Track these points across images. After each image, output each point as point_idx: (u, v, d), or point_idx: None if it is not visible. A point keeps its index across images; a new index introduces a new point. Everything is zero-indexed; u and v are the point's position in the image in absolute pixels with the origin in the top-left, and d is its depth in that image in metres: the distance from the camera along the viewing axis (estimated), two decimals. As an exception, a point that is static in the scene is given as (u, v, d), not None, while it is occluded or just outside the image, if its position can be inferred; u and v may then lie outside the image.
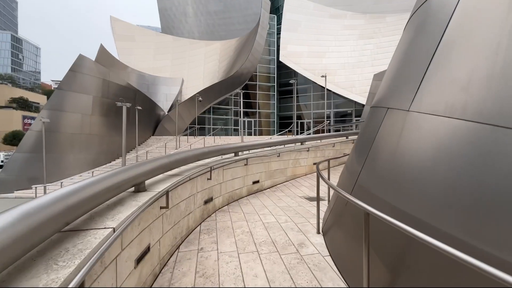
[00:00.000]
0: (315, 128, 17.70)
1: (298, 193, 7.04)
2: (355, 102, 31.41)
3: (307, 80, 35.77)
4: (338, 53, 34.01)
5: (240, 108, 13.66)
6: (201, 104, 27.05)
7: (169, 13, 54.86)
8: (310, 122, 36.05)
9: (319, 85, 33.67)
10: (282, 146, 8.68)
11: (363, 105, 30.21)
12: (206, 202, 4.85)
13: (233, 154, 6.63)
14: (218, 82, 30.11)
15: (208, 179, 4.94)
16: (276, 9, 42.07)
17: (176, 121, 21.87)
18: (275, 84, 36.71)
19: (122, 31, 39.95)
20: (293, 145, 9.17)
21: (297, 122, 36.86)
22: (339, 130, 26.32)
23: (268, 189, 7.48)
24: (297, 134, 30.85)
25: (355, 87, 31.03)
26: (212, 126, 31.90)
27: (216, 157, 5.95)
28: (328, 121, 17.25)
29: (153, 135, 25.27)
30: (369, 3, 36.67)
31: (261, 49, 33.65)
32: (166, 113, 27.52)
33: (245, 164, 6.58)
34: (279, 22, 38.37)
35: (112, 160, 19.50)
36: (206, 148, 5.32)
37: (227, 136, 31.59)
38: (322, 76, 18.08)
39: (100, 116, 18.27)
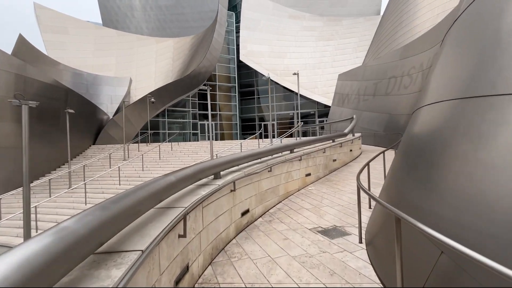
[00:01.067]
0: (289, 132, 16.14)
1: (303, 222, 5.09)
2: (318, 103, 31.22)
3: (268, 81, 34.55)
4: (299, 54, 33.62)
5: (208, 108, 11.45)
6: (153, 106, 23.51)
7: (112, 5, 48.62)
8: (274, 123, 34.89)
9: (281, 85, 32.76)
10: (270, 157, 6.66)
11: (325, 106, 30.18)
12: (177, 281, 2.54)
13: (212, 177, 4.36)
14: (173, 81, 26.83)
15: (180, 236, 2.63)
16: (234, 6, 40.18)
17: (123, 126, 18.19)
18: (236, 85, 34.69)
19: (51, 22, 33.46)
20: (279, 154, 7.23)
21: (260, 124, 35.41)
22: (307, 132, 25.46)
23: (261, 219, 5.37)
24: (262, 137, 29.35)
25: (318, 88, 30.84)
26: (168, 131, 28.34)
27: (186, 188, 3.61)
28: (302, 123, 15.82)
29: (94, 144, 20.89)
30: (325, 6, 37.33)
31: (220, 47, 31.30)
32: (111, 117, 23.21)
33: (231, 190, 4.37)
34: (237, 20, 36.57)
35: (35, 179, 15.06)
36: (171, 175, 2.99)
37: (186, 142, 28.40)
38: (294, 74, 16.69)
39: (13, 122, 13.84)
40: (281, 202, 6.45)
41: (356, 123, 12.59)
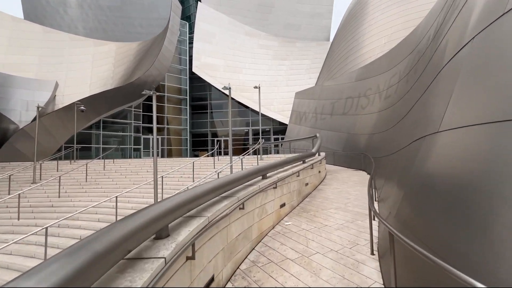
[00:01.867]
0: (253, 148, 14.62)
1: (296, 289, 3.42)
2: (273, 120, 30.89)
3: (222, 96, 33.24)
4: (255, 70, 33.33)
5: (154, 119, 8.72)
6: (84, 116, 19.51)
7: (39, -3, 41.65)
8: (228, 139, 33.23)
9: (236, 101, 31.65)
10: (241, 186, 4.92)
11: (281, 123, 30.01)
12: None
13: (153, 237, 2.41)
14: (113, 89, 23.16)
15: None
16: (188, 17, 38.44)
17: (36, 138, 14.07)
18: (188, 98, 32.24)
19: None
20: (251, 181, 5.54)
21: (212, 140, 33.31)
22: (267, 149, 24.39)
23: (230, 286, 3.51)
24: (217, 155, 26.98)
25: (273, 105, 30.62)
26: (102, 146, 23.97)
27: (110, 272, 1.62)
28: (263, 140, 14.51)
29: (-9, 162, 15.80)
30: (279, 28, 38.55)
31: (171, 56, 28.83)
32: (21, 127, 18.29)
33: (188, 258, 2.48)
34: (191, 31, 34.81)
35: None
36: None
37: (125, 159, 24.43)
38: (255, 87, 15.53)
39: None
40: (254, 249, 4.68)
41: (321, 142, 11.85)
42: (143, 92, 9.93)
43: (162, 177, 10.81)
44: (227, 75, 32.27)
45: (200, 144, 33.73)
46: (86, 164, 13.95)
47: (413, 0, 20.45)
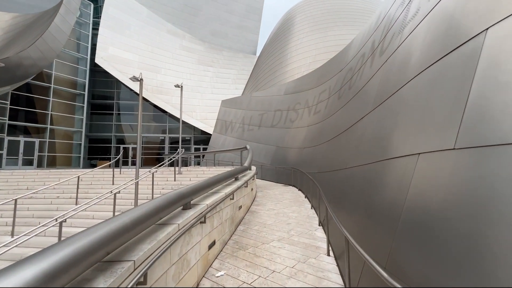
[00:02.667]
0: (169, 159, 11.71)
1: None
2: (195, 128, 28.25)
3: (134, 96, 28.48)
4: (176, 73, 30.14)
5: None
6: None
7: None
8: (136, 147, 28.22)
9: (151, 103, 27.57)
10: (145, 231, 2.66)
11: (203, 132, 27.71)
12: None
13: None
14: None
15: None
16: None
17: None
18: (86, 94, 25.89)
19: None
20: (164, 219, 3.31)
21: (118, 147, 27.70)
22: (187, 160, 21.38)
23: None
24: (120, 165, 21.43)
25: (196, 112, 28.08)
26: None
27: None
28: (183, 149, 11.97)
29: None
30: (205, 33, 36.80)
31: (64, 39, 22.55)
32: None
33: None
34: (97, 16, 28.78)
35: None
36: None
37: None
38: (177, 86, 12.97)
39: None
40: None
41: (253, 155, 10.43)
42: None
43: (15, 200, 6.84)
44: (143, 73, 27.83)
45: (100, 151, 27.40)
46: None
47: (331, 29, 22.65)
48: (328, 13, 25.11)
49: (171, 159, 10.66)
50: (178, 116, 27.19)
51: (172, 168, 11.75)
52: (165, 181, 10.12)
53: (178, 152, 11.29)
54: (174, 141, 29.90)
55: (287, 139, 14.22)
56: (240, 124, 18.20)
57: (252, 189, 8.67)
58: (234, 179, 6.92)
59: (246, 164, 8.67)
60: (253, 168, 10.68)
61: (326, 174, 7.99)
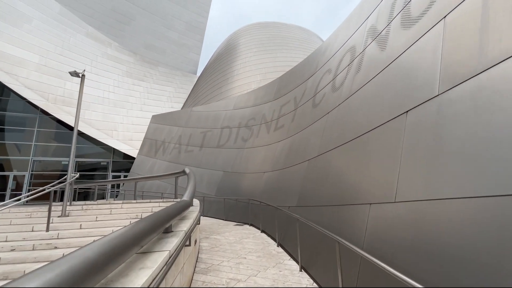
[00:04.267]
0: (52, 188, 6.81)
1: None
2: (115, 151, 22.47)
3: (27, 107, 21.42)
4: (95, 83, 24.39)
5: None
6: None
7: None
8: (25, 175, 20.33)
9: (54, 118, 21.00)
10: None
11: (126, 156, 22.14)
12: None
13: None
14: None
15: None
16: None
17: None
18: None
19: None
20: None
21: (-8, 178, 19.51)
22: (88, 194, 15.50)
23: None
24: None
25: (117, 131, 22.54)
26: None
27: None
28: (77, 174, 7.36)
29: None
30: (138, 45, 32.33)
31: None
32: None
33: None
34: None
35: None
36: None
37: None
38: (74, 74, 8.59)
39: None
40: None
41: (195, 182, 6.84)
42: None
43: None
44: (44, 78, 21.31)
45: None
46: None
47: (280, 51, 21.96)
48: (275, 38, 24.83)
49: (41, 191, 6.04)
50: (94, 136, 21.25)
51: (59, 205, 7.00)
52: (27, 232, 5.48)
53: (66, 179, 6.75)
54: (91, 167, 23.12)
55: (238, 161, 11.15)
56: (176, 144, 14.31)
57: (195, 242, 5.07)
58: (165, 230, 3.34)
59: (186, 196, 5.08)
60: (196, 202, 7.08)
61: (313, 210, 5.20)
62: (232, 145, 11.96)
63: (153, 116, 16.67)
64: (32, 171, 20.78)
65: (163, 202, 8.44)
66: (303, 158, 6.56)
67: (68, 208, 7.05)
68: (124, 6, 31.42)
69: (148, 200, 9.74)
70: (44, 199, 7.30)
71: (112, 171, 23.11)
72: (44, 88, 20.91)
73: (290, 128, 8.66)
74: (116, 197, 18.90)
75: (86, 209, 7.10)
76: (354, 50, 6.05)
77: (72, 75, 6.94)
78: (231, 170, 11.25)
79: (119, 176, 22.50)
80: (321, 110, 6.78)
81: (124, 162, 22.90)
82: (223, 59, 23.76)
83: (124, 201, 9.96)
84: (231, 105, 13.49)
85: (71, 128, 21.84)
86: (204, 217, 10.98)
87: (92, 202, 9.03)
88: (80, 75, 6.95)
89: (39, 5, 23.98)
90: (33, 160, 21.03)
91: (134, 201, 9.76)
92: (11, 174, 20.04)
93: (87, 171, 23.24)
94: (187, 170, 7.75)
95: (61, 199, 7.43)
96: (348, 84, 5.71)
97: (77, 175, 7.13)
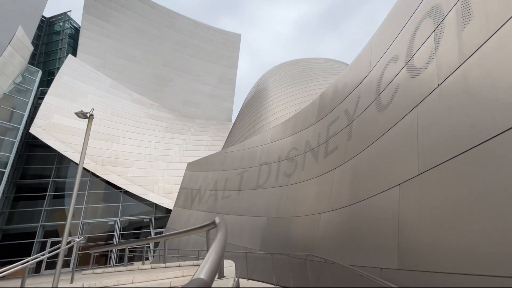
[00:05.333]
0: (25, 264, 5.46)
1: None
2: (157, 206, 21.86)
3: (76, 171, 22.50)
4: (138, 141, 25.56)
5: None
6: None
7: None
8: (75, 240, 20.44)
9: (103, 179, 21.68)
10: None
11: (168, 210, 21.25)
12: None
13: None
14: None
15: None
16: (51, 72, 29.40)
17: None
18: (7, 172, 19.64)
19: None
20: None
21: (43, 242, 19.90)
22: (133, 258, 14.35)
23: None
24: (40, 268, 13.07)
25: (158, 185, 22.25)
26: None
27: None
28: (82, 238, 6.05)
29: None
30: (176, 103, 34.63)
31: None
32: None
33: None
34: (45, 85, 25.47)
35: None
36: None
37: None
38: (82, 115, 7.95)
39: None
40: None
41: (226, 238, 4.85)
42: None
43: None
44: (94, 143, 22.89)
45: (12, 252, 19.16)
46: None
47: (311, 81, 20.75)
48: (303, 71, 24.10)
49: (11, 268, 4.58)
50: (134, 192, 21.16)
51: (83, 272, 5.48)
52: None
53: (69, 243, 5.36)
54: (136, 227, 22.71)
55: (284, 203, 8.88)
56: (212, 190, 12.75)
57: None
58: None
59: (202, 275, 2.45)
60: (229, 266, 4.92)
61: (448, 279, 2.69)
62: (274, 183, 9.87)
63: (189, 164, 15.82)
64: (81, 234, 20.86)
65: (193, 266, 6.54)
66: (388, 184, 4.20)
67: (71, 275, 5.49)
68: (163, 71, 34.78)
69: (178, 263, 7.83)
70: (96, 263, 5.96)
71: (155, 228, 22.22)
72: (94, 152, 22.24)
73: (348, 148, 6.44)
74: (151, 258, 17.37)
75: (105, 275, 5.43)
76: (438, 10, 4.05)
77: (79, 116, 6.14)
78: (276, 215, 8.95)
79: (161, 232, 21.39)
80: (396, 110, 4.59)
81: (167, 217, 22.02)
82: (255, 100, 23.29)
83: (153, 264, 8.17)
84: (268, 138, 11.84)
85: (117, 187, 22.24)
86: (249, 280, 8.48)
87: (131, 265, 7.47)
88: (88, 115, 6.13)
89: (93, 82, 27.48)
90: (83, 223, 21.32)
91: (163, 265, 7.94)
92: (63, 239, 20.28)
93: (132, 230, 22.73)
94: (217, 221, 5.79)
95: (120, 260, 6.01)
96: (443, 58, 3.59)
97: (81, 238, 5.72)
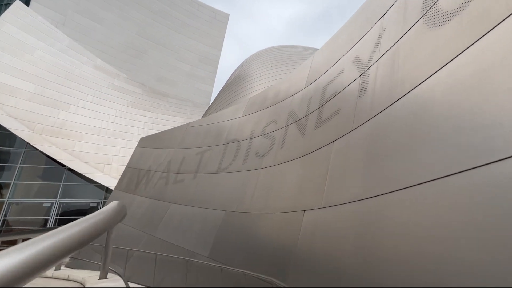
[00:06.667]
0: None
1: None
2: (107, 189, 18.48)
3: (13, 139, 18.70)
4: (95, 113, 21.75)
5: None
6: None
7: None
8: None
9: (41, 152, 17.84)
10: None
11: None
12: None
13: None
14: None
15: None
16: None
17: None
18: None
19: None
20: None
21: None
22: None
23: None
24: None
25: (111, 164, 18.81)
26: None
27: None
28: None
29: None
30: (149, 77, 30.79)
31: None
32: None
33: None
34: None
35: None
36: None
37: None
38: None
39: None
40: None
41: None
42: None
43: None
44: (35, 107, 18.86)
45: None
46: None
47: (300, 63, 18.37)
48: (291, 54, 21.73)
49: None
50: (84, 173, 17.61)
51: None
52: None
53: None
54: (67, 211, 19.07)
55: (250, 193, 6.27)
56: (164, 172, 9.88)
57: None
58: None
59: None
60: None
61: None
62: (240, 167, 7.22)
63: (141, 139, 12.71)
64: (5, 216, 16.97)
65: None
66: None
67: None
68: (136, 41, 30.77)
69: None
70: None
71: (101, 215, 18.76)
72: (33, 117, 18.27)
73: (361, 107, 3.93)
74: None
75: None
76: None
77: None
78: (238, 209, 6.31)
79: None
80: None
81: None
82: (236, 80, 20.52)
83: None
84: (240, 111, 9.15)
85: (59, 164, 18.46)
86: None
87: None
88: None
89: (46, 38, 23.10)
90: (9, 202, 17.40)
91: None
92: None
93: (73, 215, 19.07)
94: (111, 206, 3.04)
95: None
96: None
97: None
